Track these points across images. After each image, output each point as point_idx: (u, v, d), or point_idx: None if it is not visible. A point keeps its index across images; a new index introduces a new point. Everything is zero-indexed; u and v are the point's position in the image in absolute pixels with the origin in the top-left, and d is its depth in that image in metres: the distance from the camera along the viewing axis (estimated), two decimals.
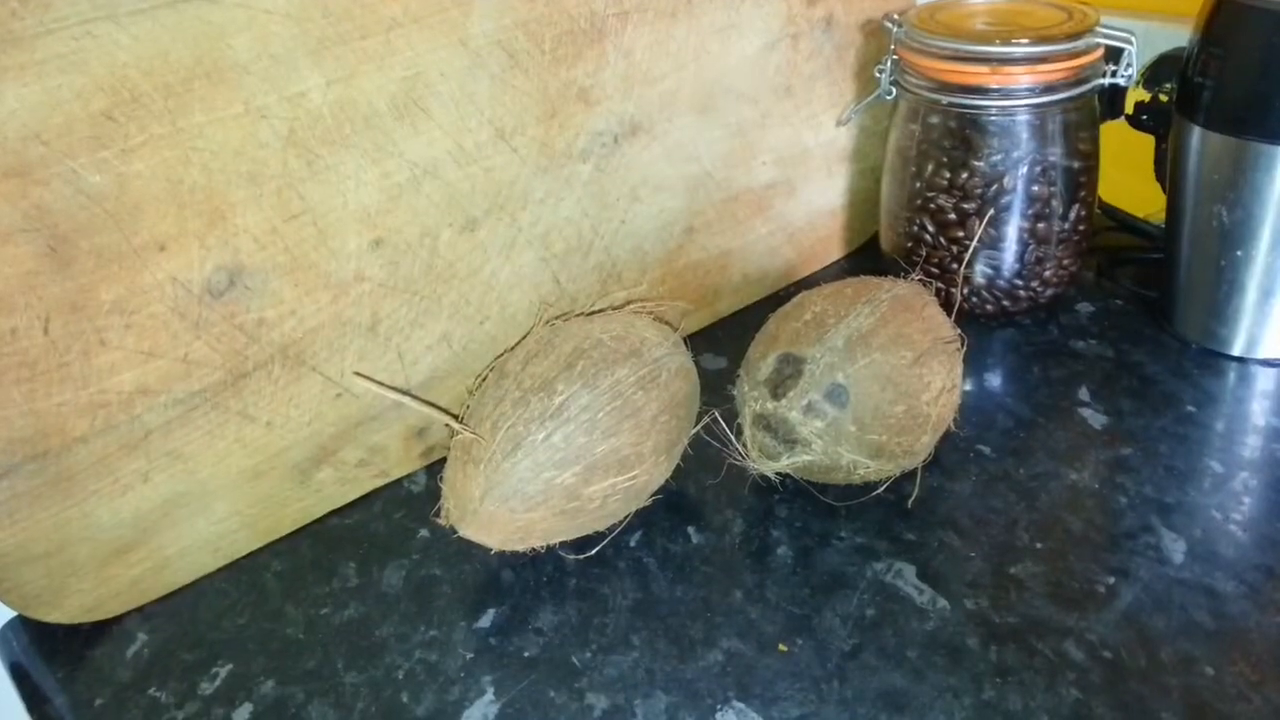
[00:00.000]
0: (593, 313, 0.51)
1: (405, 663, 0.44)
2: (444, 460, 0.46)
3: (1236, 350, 0.59)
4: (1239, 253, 0.56)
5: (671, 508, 0.51)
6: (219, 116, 0.42)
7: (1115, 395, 0.57)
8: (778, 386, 0.47)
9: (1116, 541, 0.47)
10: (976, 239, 0.60)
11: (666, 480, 0.50)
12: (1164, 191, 0.67)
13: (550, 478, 0.44)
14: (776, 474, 0.49)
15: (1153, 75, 0.65)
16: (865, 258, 0.72)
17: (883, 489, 0.49)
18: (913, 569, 0.47)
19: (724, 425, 0.49)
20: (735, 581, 0.47)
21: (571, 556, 0.48)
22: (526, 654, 0.44)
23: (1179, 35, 0.62)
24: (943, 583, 0.46)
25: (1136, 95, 0.66)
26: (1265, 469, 0.51)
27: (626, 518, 0.48)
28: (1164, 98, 0.65)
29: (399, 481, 0.54)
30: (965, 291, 0.62)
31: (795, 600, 0.46)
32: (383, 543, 0.50)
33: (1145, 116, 0.66)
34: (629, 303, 0.57)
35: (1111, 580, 0.45)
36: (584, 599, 0.47)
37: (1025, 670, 0.42)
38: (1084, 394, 0.57)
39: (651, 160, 0.58)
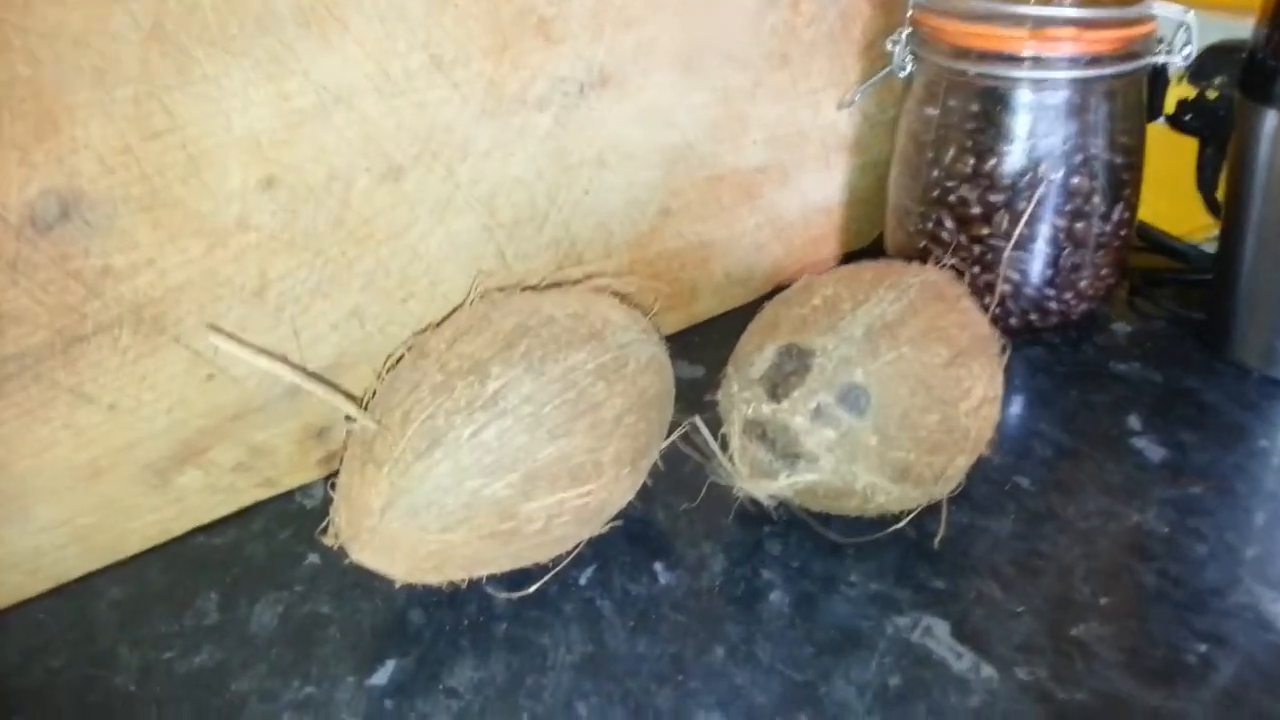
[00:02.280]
0: (543, 287, 0.40)
1: None
2: None
3: None
4: None
5: (634, 538, 0.40)
6: None
7: (1172, 425, 0.47)
8: (777, 385, 0.37)
9: (1202, 599, 0.37)
10: (1020, 227, 0.50)
11: (630, 502, 0.39)
12: (1206, 204, 0.59)
13: (477, 487, 0.33)
14: (771, 498, 0.38)
15: (1199, 69, 0.57)
16: None
17: (903, 524, 0.39)
18: (945, 625, 0.36)
19: (707, 434, 0.38)
20: (715, 635, 0.36)
21: (502, 595, 0.37)
22: None
23: (1227, 27, 0.53)
24: (986, 644, 0.35)
25: (1180, 92, 0.58)
26: None
27: (577, 547, 0.37)
28: (1212, 94, 0.56)
29: (290, 494, 0.43)
30: (991, 299, 0.52)
31: (795, 662, 0.35)
32: (258, 569, 0.39)
33: (1189, 116, 0.58)
34: (589, 278, 0.47)
35: (1203, 648, 0.35)
36: (516, 651, 0.35)
37: None
38: (1134, 422, 0.47)
39: (623, 120, 0.48)
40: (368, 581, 0.36)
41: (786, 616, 0.36)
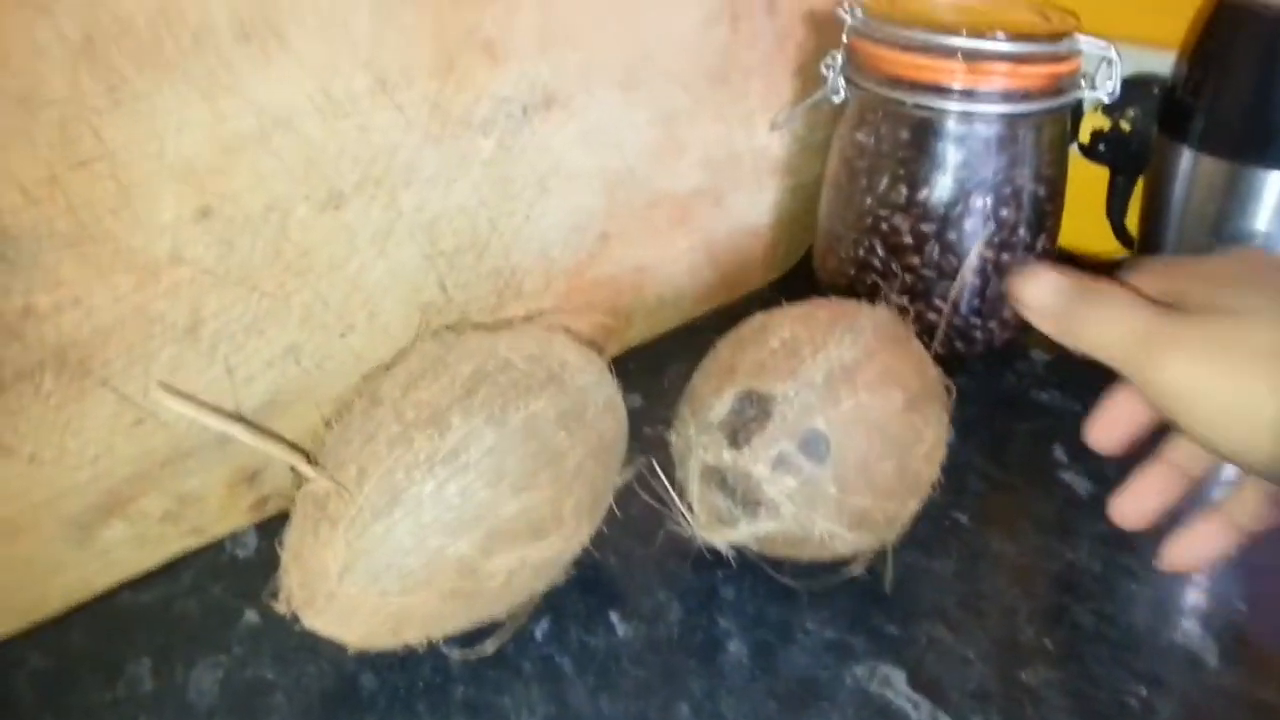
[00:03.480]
0: (493, 326, 0.39)
1: None
2: (284, 517, 0.33)
3: None
4: None
5: (587, 586, 0.39)
6: None
7: (1095, 457, 0.48)
8: (737, 432, 0.36)
9: (1137, 639, 0.38)
10: (975, 256, 0.50)
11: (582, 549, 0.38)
12: (1115, 232, 0.61)
13: (439, 546, 0.32)
14: (729, 546, 0.37)
15: (1114, 101, 0.59)
16: (789, 289, 0.62)
17: (857, 569, 0.39)
18: (901, 674, 0.36)
19: (665, 482, 0.38)
20: (679, 689, 0.35)
21: (458, 654, 0.36)
22: None
23: (1142, 60, 0.55)
24: (941, 693, 0.36)
25: (1094, 122, 0.60)
26: None
27: (531, 599, 0.36)
28: (1126, 126, 0.58)
29: (220, 543, 0.40)
30: (920, 329, 0.53)
31: (760, 717, 0.34)
32: (192, 629, 0.36)
33: (1102, 146, 0.60)
34: (534, 315, 0.45)
35: (1144, 691, 0.36)
36: (476, 715, 0.34)
37: None
38: (1060, 454, 0.49)
39: (566, 143, 0.46)
40: (312, 643, 0.34)
41: (747, 668, 0.36)
